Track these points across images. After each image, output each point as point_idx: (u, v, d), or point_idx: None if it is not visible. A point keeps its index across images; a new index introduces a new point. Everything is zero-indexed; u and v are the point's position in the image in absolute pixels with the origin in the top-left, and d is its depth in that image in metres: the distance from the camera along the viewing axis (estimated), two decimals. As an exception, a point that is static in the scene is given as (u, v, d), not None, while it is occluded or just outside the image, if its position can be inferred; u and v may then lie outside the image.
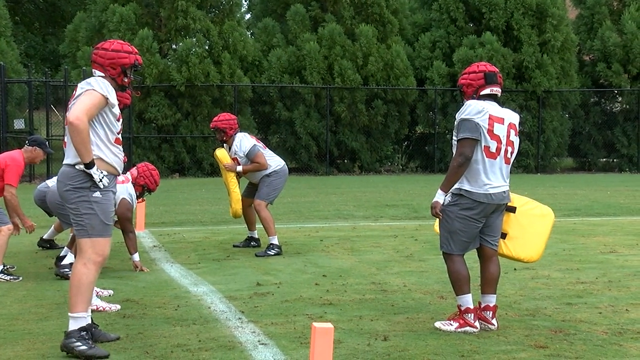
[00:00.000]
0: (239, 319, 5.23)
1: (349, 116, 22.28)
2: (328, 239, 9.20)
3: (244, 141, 8.14)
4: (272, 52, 22.36)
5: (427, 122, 23.95)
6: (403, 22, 23.95)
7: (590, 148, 24.42)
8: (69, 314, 4.42)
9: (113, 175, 4.55)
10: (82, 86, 4.49)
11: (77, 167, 4.40)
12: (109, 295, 5.96)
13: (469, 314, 4.89)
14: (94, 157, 4.40)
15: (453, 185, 4.90)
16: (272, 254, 7.96)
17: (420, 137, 24.86)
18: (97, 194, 4.40)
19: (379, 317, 5.27)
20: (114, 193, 4.58)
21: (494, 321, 4.96)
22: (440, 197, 4.88)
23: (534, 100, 23.21)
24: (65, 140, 4.54)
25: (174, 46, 22.02)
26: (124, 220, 7.02)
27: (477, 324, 4.90)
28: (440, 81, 22.78)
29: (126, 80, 4.65)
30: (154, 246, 8.66)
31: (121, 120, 4.66)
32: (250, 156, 8.07)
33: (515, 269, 6.99)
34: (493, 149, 4.87)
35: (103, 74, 4.58)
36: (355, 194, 15.34)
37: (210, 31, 21.25)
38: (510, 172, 5.08)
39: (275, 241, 8.06)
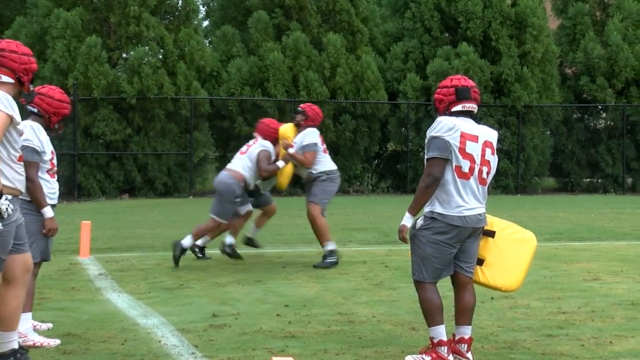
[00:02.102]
0: (192, 353, 5.19)
1: (315, 132, 22.31)
2: (291, 265, 9.19)
3: (310, 136, 9.10)
4: (232, 62, 22.38)
5: (400, 138, 24.12)
6: (374, 31, 24.16)
7: (573, 167, 24.76)
8: None
9: (16, 197, 4.48)
10: None
11: None
12: (48, 329, 5.87)
13: (442, 347, 4.89)
14: None
15: (421, 208, 4.94)
16: (333, 260, 8.98)
17: (391, 155, 25.01)
18: None
19: (346, 351, 5.26)
20: (15, 220, 4.44)
21: (469, 355, 4.98)
22: (407, 221, 4.92)
23: (513, 116, 23.53)
24: None
25: (124, 55, 21.92)
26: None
27: (450, 357, 4.91)
28: (413, 95, 22.98)
29: (31, 88, 4.63)
30: (100, 274, 8.56)
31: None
32: (304, 150, 9.06)
33: (492, 298, 7.03)
34: (465, 169, 4.91)
35: (12, 81, 4.46)
36: (321, 216, 15.33)
37: (164, 39, 21.20)
38: (488, 193, 5.13)
39: (332, 246, 9.01)
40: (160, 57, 21.36)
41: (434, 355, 4.89)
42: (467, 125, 4.97)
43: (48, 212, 5.48)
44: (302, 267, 9.02)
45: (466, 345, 4.99)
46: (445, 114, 5.02)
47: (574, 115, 25.33)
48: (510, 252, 5.08)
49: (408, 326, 6.01)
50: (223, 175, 9.13)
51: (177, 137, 21.74)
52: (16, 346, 4.62)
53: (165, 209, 17.27)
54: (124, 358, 5.07)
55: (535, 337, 5.66)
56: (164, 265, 9.15)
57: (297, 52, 22.21)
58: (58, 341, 5.46)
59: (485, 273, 5.10)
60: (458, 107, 5.02)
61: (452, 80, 5.10)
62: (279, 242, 11.45)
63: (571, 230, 13.07)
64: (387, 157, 25.16)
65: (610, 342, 5.52)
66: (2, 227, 4.26)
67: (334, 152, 22.83)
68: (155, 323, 6.10)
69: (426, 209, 4.95)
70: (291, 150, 9.04)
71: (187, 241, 8.99)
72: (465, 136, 4.91)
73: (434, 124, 4.95)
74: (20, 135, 4.52)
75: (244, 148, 9.36)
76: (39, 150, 5.52)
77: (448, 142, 4.86)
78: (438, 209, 4.89)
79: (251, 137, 9.61)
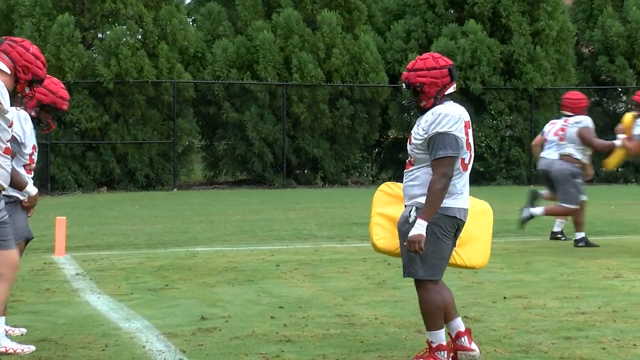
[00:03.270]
0: (180, 359, 5.19)
1: (309, 118, 22.35)
2: (285, 263, 9.20)
3: None
4: (218, 42, 22.35)
5: (401, 125, 24.13)
6: (372, 8, 24.14)
7: (590, 155, 24.73)
8: None
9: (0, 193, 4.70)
10: None
11: None
12: (21, 335, 5.87)
13: (442, 352, 4.88)
14: None
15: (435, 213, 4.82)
16: (582, 245, 10.28)
17: (393, 143, 25.01)
18: None
19: (346, 356, 5.28)
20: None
21: (474, 345, 4.99)
22: (423, 229, 4.75)
23: (525, 100, 23.54)
24: None
25: (100, 35, 21.87)
26: None
27: None
28: (416, 77, 22.92)
29: (27, 92, 4.88)
30: (77, 274, 8.56)
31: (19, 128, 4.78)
32: (635, 138, 9.89)
33: (505, 298, 7.06)
34: (467, 160, 4.94)
35: (8, 72, 4.72)
36: (317, 210, 15.36)
37: (143, 17, 21.16)
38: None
39: (579, 236, 10.36)
40: (140, 37, 21.32)
41: None
42: (463, 111, 4.94)
43: (32, 189, 5.59)
44: (297, 265, 9.04)
45: (466, 337, 4.98)
46: (435, 99, 4.92)
47: (592, 99, 25.30)
48: (476, 226, 5.16)
49: (414, 328, 6.02)
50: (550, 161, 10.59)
51: (159, 124, 21.72)
52: None
53: (147, 203, 17.27)
54: (105, 365, 5.09)
55: (552, 339, 5.69)
56: (147, 264, 9.17)
57: (289, 31, 22.17)
58: (33, 347, 5.46)
59: (460, 254, 5.14)
60: (450, 90, 4.98)
61: (436, 60, 4.99)
62: (271, 238, 11.46)
63: (589, 224, 13.04)
64: (388, 145, 25.16)
65: (633, 344, 5.54)
66: None
67: (330, 140, 22.86)
68: (139, 327, 6.11)
69: (420, 200, 4.87)
70: (621, 136, 10.16)
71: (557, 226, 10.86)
72: (467, 125, 4.92)
73: (439, 118, 4.83)
74: (10, 126, 4.70)
75: (558, 132, 10.69)
76: (19, 141, 5.52)
77: (457, 137, 4.82)
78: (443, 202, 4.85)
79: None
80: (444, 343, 4.91)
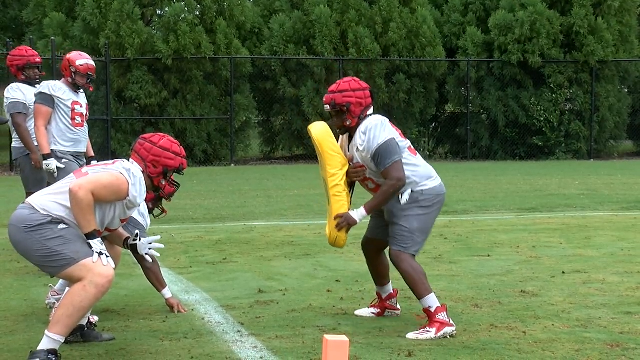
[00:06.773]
0: (238, 331, 5.28)
1: (366, 93, 22.25)
2: (342, 238, 9.22)
3: None
4: (275, 18, 22.37)
5: (459, 99, 23.93)
6: (430, -19, 23.90)
7: None
8: (46, 330, 4.51)
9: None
10: (117, 168, 4.72)
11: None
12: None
13: (443, 313, 5.15)
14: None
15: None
16: None
17: (450, 118, 24.85)
18: (62, 225, 4.58)
19: (403, 329, 5.29)
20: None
21: (398, 305, 5.71)
22: (359, 217, 5.36)
23: (586, 73, 23.12)
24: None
25: (159, 12, 22.06)
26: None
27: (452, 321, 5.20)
28: (474, 51, 22.74)
29: (163, 183, 4.93)
30: (138, 247, 8.70)
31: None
32: None
33: (563, 273, 7.00)
34: (411, 145, 5.39)
35: (140, 168, 4.82)
36: (374, 185, 15.34)
37: (201, -7, 21.27)
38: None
39: None
40: (198, 13, 21.45)
41: (437, 325, 5.11)
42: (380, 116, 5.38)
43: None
44: (353, 240, 9.03)
45: (395, 298, 5.67)
46: (360, 118, 5.25)
47: (656, 71, 24.83)
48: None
49: (470, 302, 6.02)
50: None
51: (216, 100, 21.88)
52: (84, 322, 5.06)
53: (205, 178, 17.45)
54: (166, 336, 5.18)
55: (612, 314, 5.63)
56: (206, 238, 9.28)
57: (345, 6, 22.08)
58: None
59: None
60: (371, 110, 5.32)
61: (357, 82, 5.40)
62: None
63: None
64: (445, 120, 24.99)
65: (695, 320, 5.46)
66: (65, 225, 4.56)
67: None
68: (198, 299, 6.22)
69: (410, 189, 5.22)
70: None
71: None
72: (390, 122, 5.32)
73: (370, 134, 5.16)
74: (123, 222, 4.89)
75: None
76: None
77: (394, 139, 5.19)
78: (427, 185, 5.25)
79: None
80: (440, 305, 5.18)
